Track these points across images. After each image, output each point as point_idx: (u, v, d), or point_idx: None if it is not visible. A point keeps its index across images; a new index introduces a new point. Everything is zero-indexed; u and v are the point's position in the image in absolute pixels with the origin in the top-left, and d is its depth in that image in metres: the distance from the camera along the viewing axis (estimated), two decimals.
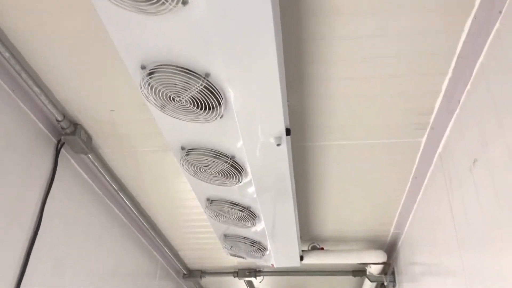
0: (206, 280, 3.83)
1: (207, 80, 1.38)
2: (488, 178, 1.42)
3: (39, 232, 1.81)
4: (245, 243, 2.61)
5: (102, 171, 2.19)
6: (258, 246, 2.64)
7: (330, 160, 2.15)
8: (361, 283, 3.58)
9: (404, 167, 2.17)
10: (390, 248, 2.98)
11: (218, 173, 1.89)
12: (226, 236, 2.61)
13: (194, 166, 1.86)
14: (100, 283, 2.37)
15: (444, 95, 1.69)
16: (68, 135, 1.93)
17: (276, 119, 1.55)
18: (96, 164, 2.14)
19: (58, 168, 1.94)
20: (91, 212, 2.26)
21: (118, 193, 2.38)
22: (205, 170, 1.89)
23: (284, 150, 1.72)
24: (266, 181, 1.94)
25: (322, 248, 2.95)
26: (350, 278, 3.62)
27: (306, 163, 2.18)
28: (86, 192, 2.23)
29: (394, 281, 2.98)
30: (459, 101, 1.62)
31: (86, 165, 2.19)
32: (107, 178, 2.24)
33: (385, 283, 3.04)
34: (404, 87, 1.69)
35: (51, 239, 1.93)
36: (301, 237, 2.85)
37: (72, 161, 2.09)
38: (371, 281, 3.08)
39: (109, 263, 2.47)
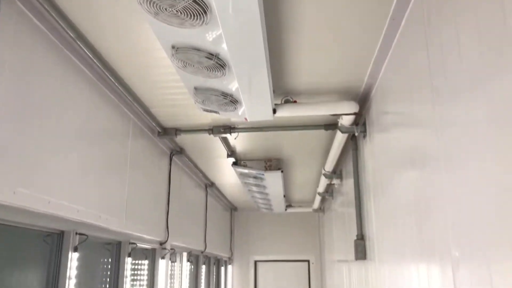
0: (182, 138, 3.88)
1: None
2: (474, 29, 1.31)
3: None
4: (217, 95, 2.55)
5: (54, 15, 1.98)
6: (230, 99, 2.60)
7: (305, 2, 1.98)
8: (333, 137, 3.69)
9: (381, 8, 2.03)
10: (363, 99, 3.00)
11: (181, 12, 1.72)
12: (196, 89, 2.54)
13: (155, 5, 1.69)
14: (66, 144, 2.24)
15: None
16: None
17: None
18: (45, 6, 1.92)
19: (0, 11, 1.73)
20: (48, 65, 2.10)
21: (76, 42, 2.20)
22: (166, 9, 1.72)
23: None
24: (234, 23, 1.80)
25: (295, 101, 2.93)
26: (322, 132, 3.73)
27: (279, 3, 2.01)
28: (39, 40, 2.04)
29: (364, 131, 3.06)
30: None
31: (35, 8, 1.96)
32: (62, 24, 2.04)
33: (356, 134, 3.13)
34: None
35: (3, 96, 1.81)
36: (274, 91, 2.80)
37: (18, 2, 1.86)
38: (342, 132, 3.16)
39: (74, 123, 2.33)
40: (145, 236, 3.36)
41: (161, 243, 3.81)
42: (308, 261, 8.22)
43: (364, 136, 3.11)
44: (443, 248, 1.57)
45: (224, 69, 2.22)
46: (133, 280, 3.40)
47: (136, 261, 3.54)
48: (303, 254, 8.23)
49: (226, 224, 7.78)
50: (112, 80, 2.61)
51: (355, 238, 3.27)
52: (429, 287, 1.77)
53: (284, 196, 6.07)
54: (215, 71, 2.24)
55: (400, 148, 2.22)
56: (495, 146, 1.18)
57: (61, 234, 2.30)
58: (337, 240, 5.33)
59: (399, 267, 2.31)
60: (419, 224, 1.89)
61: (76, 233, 2.34)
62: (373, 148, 2.90)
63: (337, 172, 4.53)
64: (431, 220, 1.72)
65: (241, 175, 4.86)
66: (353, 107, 2.86)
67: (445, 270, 1.57)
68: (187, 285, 4.87)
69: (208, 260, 6.12)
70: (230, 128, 3.55)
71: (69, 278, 2.26)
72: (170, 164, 4.06)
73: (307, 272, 8.20)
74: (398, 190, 2.27)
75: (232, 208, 8.17)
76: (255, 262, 8.32)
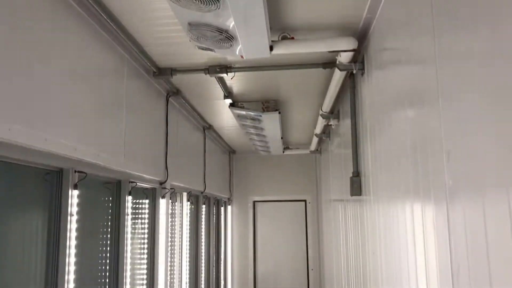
0: (178, 79, 3.83)
1: None
2: None
3: None
4: (212, 31, 2.49)
5: None
6: (225, 35, 2.53)
7: None
8: (331, 76, 3.65)
9: None
10: (362, 36, 2.93)
11: None
12: (191, 25, 2.47)
13: None
14: (59, 83, 2.18)
15: None
16: None
17: None
18: None
19: None
20: (36, 1, 2.01)
21: None
22: None
23: None
24: None
25: (293, 38, 2.86)
26: (320, 71, 3.68)
27: None
28: None
29: (363, 69, 3.02)
30: None
31: None
32: None
33: (354, 71, 3.09)
34: None
35: None
36: (271, 28, 2.72)
37: None
38: (340, 70, 3.12)
39: (65, 61, 2.25)
40: (144, 175, 3.41)
41: (161, 183, 3.88)
42: (305, 201, 8.44)
43: (362, 74, 3.07)
44: (438, 184, 1.60)
45: (219, 1, 2.14)
46: (134, 218, 3.50)
47: (137, 201, 3.63)
48: (300, 194, 8.43)
49: (225, 167, 7.89)
50: (104, 16, 2.53)
51: (351, 175, 3.33)
52: (423, 222, 1.83)
53: (282, 138, 6.11)
54: (209, 4, 2.17)
55: (398, 85, 2.20)
56: (495, 79, 1.16)
57: (60, 172, 2.33)
58: (333, 181, 5.44)
59: (393, 205, 2.37)
60: (414, 161, 1.91)
61: (75, 171, 2.37)
62: (371, 87, 2.87)
63: (334, 113, 4.52)
64: (427, 157, 1.74)
65: (239, 117, 4.85)
66: (351, 43, 2.80)
67: (439, 205, 1.60)
68: (188, 224, 5.02)
69: (208, 200, 6.27)
70: (226, 68, 3.49)
71: (71, 215, 2.31)
72: (167, 106, 4.04)
73: (304, 211, 8.44)
74: (395, 129, 2.27)
75: (230, 151, 8.25)
76: (254, 202, 8.53)
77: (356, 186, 3.23)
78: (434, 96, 1.64)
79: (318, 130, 5.46)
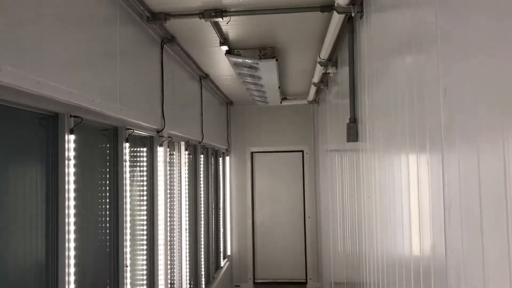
0: (172, 25, 3.73)
1: None
2: None
3: None
4: None
5: None
6: None
7: None
8: (329, 21, 3.56)
9: None
10: None
11: None
12: None
13: None
14: (49, 28, 2.11)
15: None
16: None
17: None
18: None
19: None
20: None
21: None
22: None
23: None
24: None
25: None
26: (318, 15, 3.58)
27: None
28: None
29: (362, 11, 2.93)
30: None
31: None
32: None
33: (353, 14, 3.01)
34: None
35: None
36: None
37: None
38: (338, 13, 3.03)
39: (54, 7, 2.17)
40: (141, 123, 3.40)
41: (158, 131, 3.88)
42: (302, 151, 8.50)
43: (361, 17, 2.99)
44: (434, 124, 1.59)
45: None
46: (133, 166, 3.53)
47: (135, 149, 3.65)
48: (298, 145, 8.48)
49: (223, 118, 7.88)
50: None
51: (348, 121, 3.33)
52: (417, 165, 1.84)
53: (279, 87, 6.06)
54: None
55: (397, 29, 2.14)
56: (495, 19, 1.13)
57: (55, 117, 2.31)
58: (331, 131, 5.45)
59: (388, 150, 2.38)
60: (411, 105, 1.89)
61: (71, 116, 2.36)
62: (370, 31, 2.81)
63: (332, 60, 4.45)
64: (423, 99, 1.72)
65: (235, 65, 4.78)
66: None
67: (434, 146, 1.61)
68: (187, 173, 5.07)
69: (206, 150, 6.31)
70: (221, 12, 3.40)
71: (68, 159, 2.33)
72: (162, 53, 3.96)
73: (301, 161, 8.53)
74: (393, 73, 2.24)
75: (227, 102, 8.21)
76: (252, 153, 8.60)
77: (353, 132, 3.24)
78: (433, 38, 1.60)
79: (316, 79, 5.40)
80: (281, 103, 7.44)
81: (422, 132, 1.75)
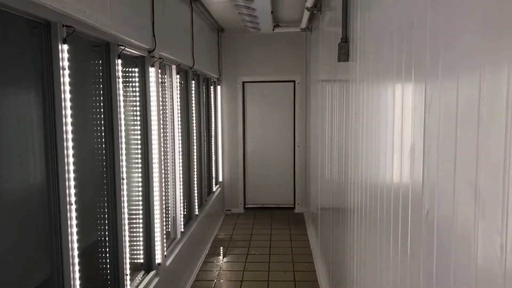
0: None
1: None
2: None
3: None
4: None
5: None
6: None
7: None
8: None
9: None
10: None
11: None
12: None
13: None
14: None
15: None
16: None
17: None
18: None
19: None
20: None
21: None
22: None
23: None
24: None
25: None
26: None
27: None
28: None
29: None
30: None
31: None
32: None
33: None
34: None
35: None
36: None
37: None
38: None
39: None
40: (132, 40, 3.38)
41: (149, 51, 3.87)
42: (294, 81, 8.52)
43: None
44: (420, 64, 1.64)
45: None
46: (126, 87, 3.56)
47: (128, 69, 3.65)
48: (289, 75, 8.48)
49: (214, 45, 7.77)
50: None
51: (339, 41, 3.34)
52: (402, 99, 1.89)
53: (272, 12, 5.95)
54: None
55: None
56: None
57: (47, 26, 2.31)
58: (323, 60, 5.45)
59: (376, 82, 2.43)
60: (400, 41, 1.91)
61: (63, 25, 2.35)
62: None
63: None
64: (412, 38, 1.74)
65: None
66: None
67: (418, 84, 1.66)
68: (178, 98, 5.11)
69: (197, 77, 6.30)
70: None
71: (63, 69, 2.35)
72: None
73: (292, 92, 8.57)
74: (385, 7, 2.23)
75: (219, 29, 8.05)
76: (243, 83, 8.60)
77: (344, 52, 3.27)
78: None
79: (309, 2, 5.30)
80: (273, 30, 7.33)
81: (408, 61, 1.79)
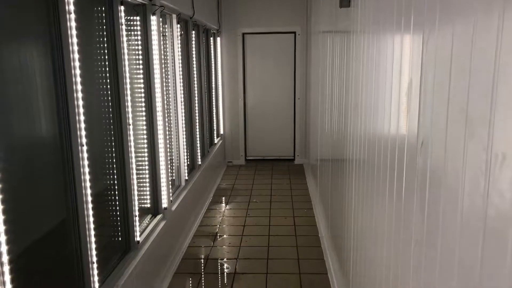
0: None
1: None
2: None
3: None
4: None
5: None
6: None
7: None
8: None
9: None
10: None
11: None
12: None
13: None
14: None
15: None
16: None
17: None
18: None
19: None
20: None
21: None
22: None
23: None
24: None
25: None
26: None
27: None
28: None
29: None
30: None
31: None
32: None
33: None
34: None
35: None
36: None
37: None
38: None
39: None
40: None
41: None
42: (295, 32, 8.44)
43: None
44: (418, 11, 1.68)
45: None
46: (128, 35, 3.58)
47: (129, 17, 3.66)
48: (290, 26, 8.39)
49: None
50: None
51: None
52: (400, 51, 1.94)
53: None
54: None
55: None
56: None
57: None
58: (323, 9, 5.40)
59: (376, 30, 2.46)
60: None
61: None
62: None
63: None
64: None
65: None
66: None
67: (416, 33, 1.70)
68: (179, 48, 5.12)
69: (197, 28, 6.26)
70: None
71: (69, 13, 2.39)
72: None
73: (293, 43, 8.52)
74: None
75: None
76: (243, 34, 8.52)
77: None
78: None
79: None
80: None
81: (407, 18, 1.83)
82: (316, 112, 6.49)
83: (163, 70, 4.32)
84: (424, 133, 1.62)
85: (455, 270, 1.31)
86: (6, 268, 1.87)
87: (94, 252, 2.73)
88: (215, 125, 7.88)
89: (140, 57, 3.85)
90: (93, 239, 2.71)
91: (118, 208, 3.37)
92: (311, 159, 7.51)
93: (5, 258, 1.86)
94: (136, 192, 3.52)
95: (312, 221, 5.67)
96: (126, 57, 3.27)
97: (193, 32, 5.90)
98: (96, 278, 2.76)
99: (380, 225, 2.31)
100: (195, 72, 5.98)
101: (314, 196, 6.43)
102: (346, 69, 3.52)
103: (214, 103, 7.78)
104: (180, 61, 5.17)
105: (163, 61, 4.31)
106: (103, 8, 3.09)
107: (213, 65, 7.69)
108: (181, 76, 5.19)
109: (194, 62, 5.95)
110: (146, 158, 4.02)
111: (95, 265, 2.74)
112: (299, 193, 6.87)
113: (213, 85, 7.73)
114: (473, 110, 1.18)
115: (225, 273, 4.32)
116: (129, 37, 3.63)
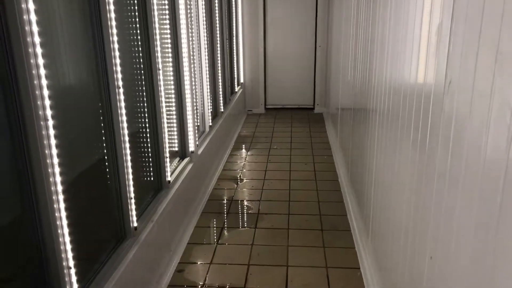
0: None
1: None
2: None
3: None
4: None
5: None
6: None
7: None
8: None
9: None
10: None
11: None
12: None
13: None
14: None
15: None
16: None
17: None
18: None
19: None
20: None
21: None
22: None
23: None
24: None
25: None
26: None
27: None
28: None
29: None
30: None
31: None
32: None
33: None
34: None
35: None
36: None
37: None
38: None
39: None
40: None
41: None
42: None
43: None
44: None
45: None
46: None
47: None
48: None
49: None
50: None
51: None
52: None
53: None
54: None
55: None
56: None
57: None
58: None
59: None
60: None
61: None
62: None
63: None
64: None
65: None
66: None
67: None
68: (203, 9, 5.10)
69: None
70: None
71: None
72: None
73: (314, 3, 8.32)
74: None
75: None
76: None
77: None
78: None
79: None
80: None
81: None
82: (338, 60, 6.47)
83: (188, 16, 4.35)
84: (452, 73, 1.69)
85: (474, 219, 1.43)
86: (61, 197, 2.07)
87: (132, 189, 2.94)
88: (235, 73, 7.93)
89: (166, 1, 3.89)
90: (130, 176, 2.91)
91: (150, 149, 3.56)
92: (331, 108, 7.55)
93: (60, 188, 2.06)
94: (166, 135, 3.69)
95: (332, 167, 5.83)
96: (155, 7, 3.33)
97: None
98: (134, 213, 2.99)
99: (403, 173, 2.42)
100: (217, 19, 5.97)
101: (333, 144, 6.56)
102: (373, 13, 3.50)
103: (234, 51, 7.78)
104: (204, 7, 5.17)
105: (188, 6, 4.33)
106: None
107: (234, 12, 7.62)
108: (204, 22, 5.21)
109: (217, 9, 5.93)
110: (174, 103, 4.16)
111: (133, 201, 2.96)
112: (319, 141, 6.99)
113: (234, 33, 7.69)
114: (504, 47, 1.25)
115: (249, 213, 4.56)
116: None
